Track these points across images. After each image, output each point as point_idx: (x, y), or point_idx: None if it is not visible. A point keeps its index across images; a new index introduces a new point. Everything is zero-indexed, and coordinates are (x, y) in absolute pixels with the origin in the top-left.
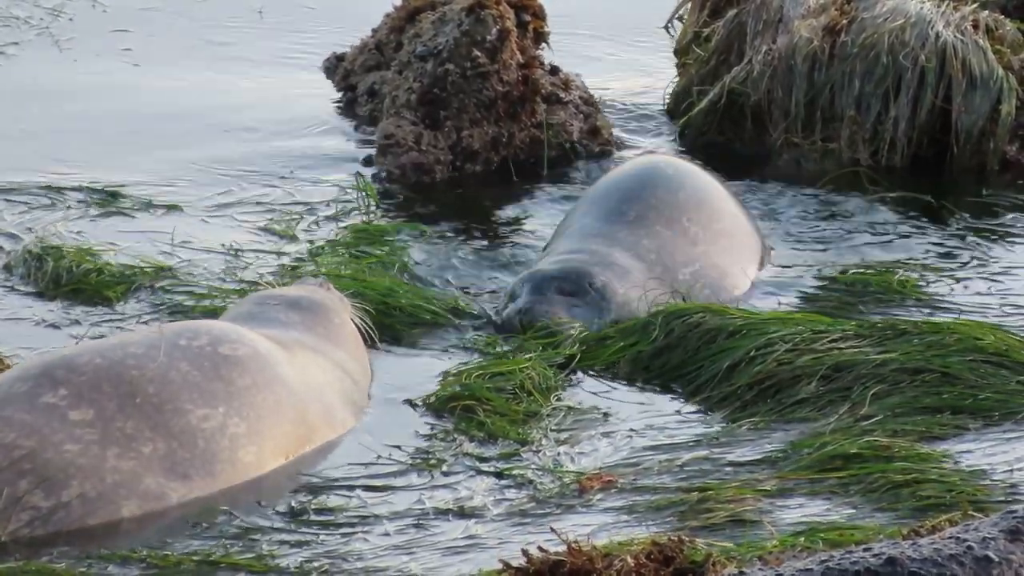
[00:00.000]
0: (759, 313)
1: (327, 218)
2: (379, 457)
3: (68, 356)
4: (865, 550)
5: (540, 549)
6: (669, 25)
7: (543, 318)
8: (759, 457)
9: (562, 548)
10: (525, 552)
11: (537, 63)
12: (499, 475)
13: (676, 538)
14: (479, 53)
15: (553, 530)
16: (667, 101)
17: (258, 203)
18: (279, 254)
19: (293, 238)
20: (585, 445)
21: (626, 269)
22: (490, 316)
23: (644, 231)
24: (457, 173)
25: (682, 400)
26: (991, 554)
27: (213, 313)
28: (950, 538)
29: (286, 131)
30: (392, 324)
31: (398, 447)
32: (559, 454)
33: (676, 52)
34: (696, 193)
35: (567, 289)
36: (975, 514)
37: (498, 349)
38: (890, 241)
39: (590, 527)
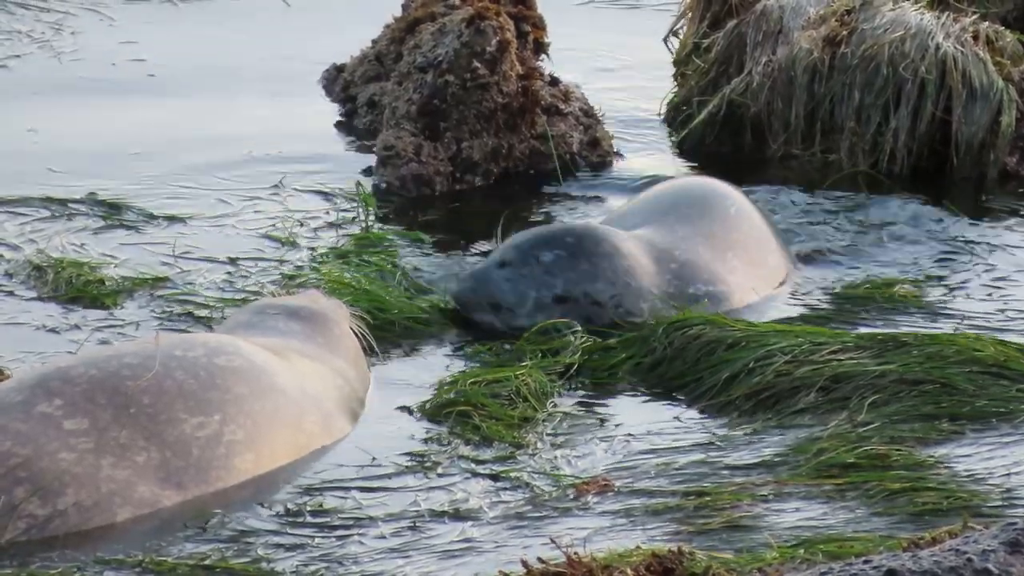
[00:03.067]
0: (758, 325)
1: (327, 228)
2: (374, 460)
3: (63, 367)
4: (865, 562)
5: (539, 560)
6: (668, 36)
7: (468, 297)
8: (756, 462)
9: (560, 557)
10: (524, 563)
11: (537, 74)
12: (495, 478)
13: (676, 549)
14: (479, 64)
15: (552, 540)
16: (666, 112)
17: (258, 213)
18: (279, 263)
19: (293, 248)
20: (582, 449)
21: (622, 255)
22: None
23: (678, 240)
24: (457, 184)
25: (680, 409)
26: (991, 566)
27: (212, 322)
28: (950, 550)
29: (286, 142)
30: (390, 332)
31: (394, 451)
32: (555, 458)
33: (675, 63)
34: (750, 229)
35: (508, 261)
36: (975, 525)
37: (495, 356)
38: (889, 251)
39: (586, 531)
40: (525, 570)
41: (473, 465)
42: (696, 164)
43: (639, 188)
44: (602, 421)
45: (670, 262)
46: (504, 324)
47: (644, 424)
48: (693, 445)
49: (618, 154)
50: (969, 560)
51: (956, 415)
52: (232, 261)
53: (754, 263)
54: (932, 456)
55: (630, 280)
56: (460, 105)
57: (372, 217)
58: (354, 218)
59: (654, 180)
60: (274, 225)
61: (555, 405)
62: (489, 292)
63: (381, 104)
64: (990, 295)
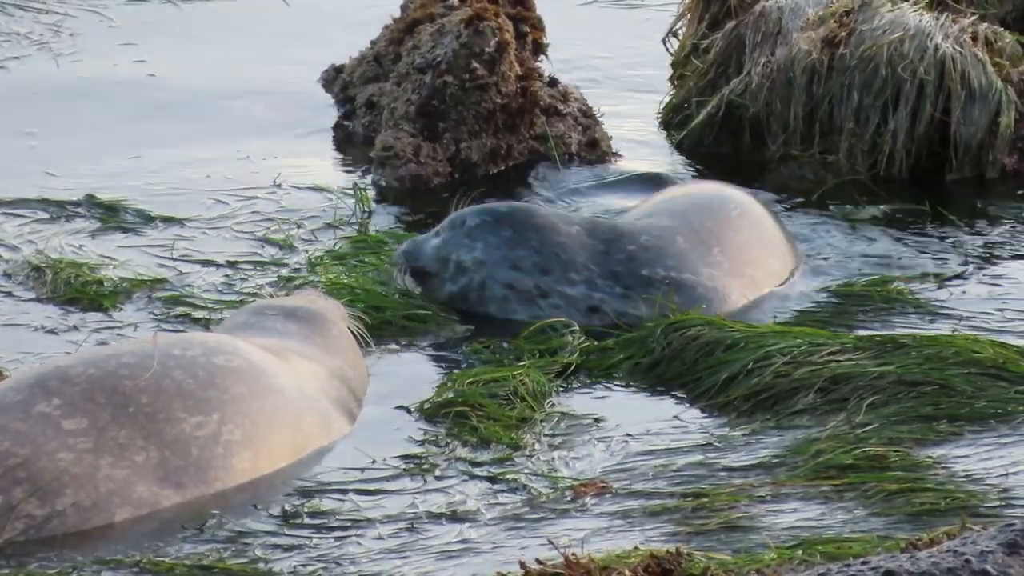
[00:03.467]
0: (757, 326)
1: (325, 229)
2: (372, 462)
3: (62, 367)
4: (863, 563)
5: (537, 561)
6: (668, 37)
7: (398, 261)
8: (754, 463)
9: (558, 558)
10: (522, 564)
11: (536, 75)
12: (492, 479)
13: (674, 550)
14: (478, 65)
15: (550, 541)
16: (665, 113)
17: (256, 214)
18: (277, 265)
19: (291, 249)
20: (579, 450)
21: (556, 231)
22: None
23: (656, 228)
24: (456, 185)
25: (679, 410)
26: (989, 568)
27: (210, 323)
28: (948, 551)
29: (285, 143)
30: (387, 332)
31: (391, 452)
32: (553, 459)
33: (674, 64)
34: (751, 231)
35: (441, 230)
36: (973, 526)
37: (493, 355)
38: (888, 253)
39: (584, 532)
40: (523, 571)
41: (471, 466)
42: (695, 165)
43: (634, 183)
44: (600, 422)
45: (629, 244)
46: (432, 291)
47: (642, 425)
48: (691, 446)
49: (617, 155)
50: (967, 561)
51: (954, 416)
52: (230, 263)
53: (749, 263)
54: (930, 457)
55: (560, 252)
56: (459, 106)
57: (370, 218)
58: (352, 219)
59: (650, 176)
60: (272, 226)
61: (553, 405)
62: (415, 258)
63: (380, 105)
64: (989, 296)
